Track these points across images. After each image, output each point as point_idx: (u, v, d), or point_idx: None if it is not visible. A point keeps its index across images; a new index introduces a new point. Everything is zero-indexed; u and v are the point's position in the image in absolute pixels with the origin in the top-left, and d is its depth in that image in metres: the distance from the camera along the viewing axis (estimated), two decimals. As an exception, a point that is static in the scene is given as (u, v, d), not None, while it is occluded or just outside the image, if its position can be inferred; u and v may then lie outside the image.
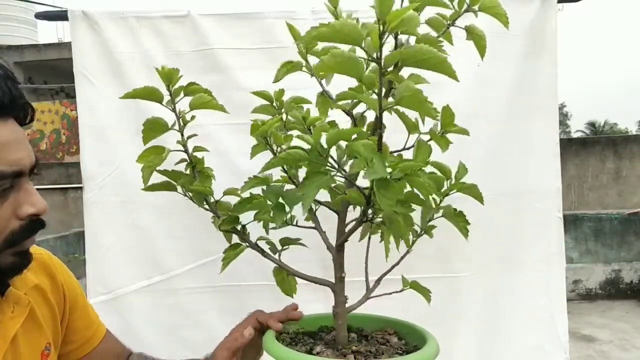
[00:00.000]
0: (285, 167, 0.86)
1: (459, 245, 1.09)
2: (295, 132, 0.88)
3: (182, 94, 0.86)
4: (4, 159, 0.66)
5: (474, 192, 0.89)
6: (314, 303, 1.21)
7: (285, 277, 0.94)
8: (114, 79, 1.43)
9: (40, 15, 1.50)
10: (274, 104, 0.94)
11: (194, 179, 0.90)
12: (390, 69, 0.67)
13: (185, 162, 0.91)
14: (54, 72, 10.63)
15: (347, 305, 0.89)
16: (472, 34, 0.81)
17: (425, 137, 0.84)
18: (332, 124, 0.88)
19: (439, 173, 0.87)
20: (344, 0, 0.87)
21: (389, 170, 0.70)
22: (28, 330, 0.79)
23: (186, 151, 0.90)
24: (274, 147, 0.88)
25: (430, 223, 0.91)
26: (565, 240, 1.50)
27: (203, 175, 0.90)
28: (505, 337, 1.48)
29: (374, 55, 0.64)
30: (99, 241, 1.44)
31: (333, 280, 0.90)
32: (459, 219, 0.90)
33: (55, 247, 5.51)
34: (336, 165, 0.75)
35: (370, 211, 0.81)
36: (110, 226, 1.44)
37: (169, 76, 0.85)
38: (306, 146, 0.75)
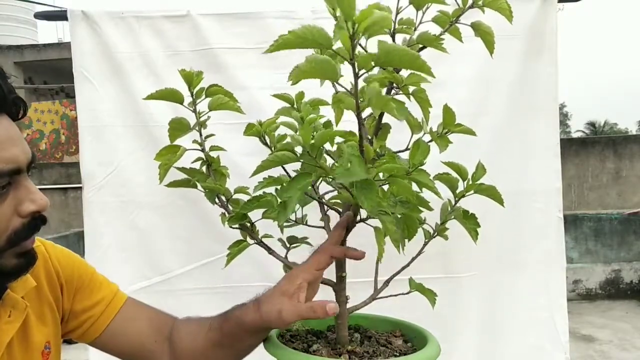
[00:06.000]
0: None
1: (459, 245, 1.09)
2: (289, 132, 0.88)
3: (203, 95, 0.87)
4: (0, 157, 0.65)
5: (492, 193, 0.85)
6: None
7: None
8: (114, 78, 1.43)
9: (40, 15, 1.50)
10: (295, 106, 0.93)
11: (208, 177, 0.91)
12: (363, 70, 0.66)
13: (201, 161, 0.92)
14: (54, 72, 10.63)
15: (351, 305, 0.89)
16: (479, 30, 0.79)
17: (427, 138, 0.83)
18: (328, 124, 0.88)
19: (454, 174, 0.85)
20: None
21: (370, 172, 0.68)
22: (26, 333, 0.78)
23: (203, 150, 0.91)
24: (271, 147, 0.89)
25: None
26: (565, 240, 1.50)
27: (218, 174, 0.92)
28: (505, 337, 1.48)
29: (347, 58, 0.63)
30: (99, 241, 1.44)
31: (334, 279, 0.89)
32: (470, 221, 0.87)
33: (55, 247, 5.48)
34: (327, 166, 0.74)
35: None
36: (109, 226, 1.44)
37: (189, 78, 0.86)
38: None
